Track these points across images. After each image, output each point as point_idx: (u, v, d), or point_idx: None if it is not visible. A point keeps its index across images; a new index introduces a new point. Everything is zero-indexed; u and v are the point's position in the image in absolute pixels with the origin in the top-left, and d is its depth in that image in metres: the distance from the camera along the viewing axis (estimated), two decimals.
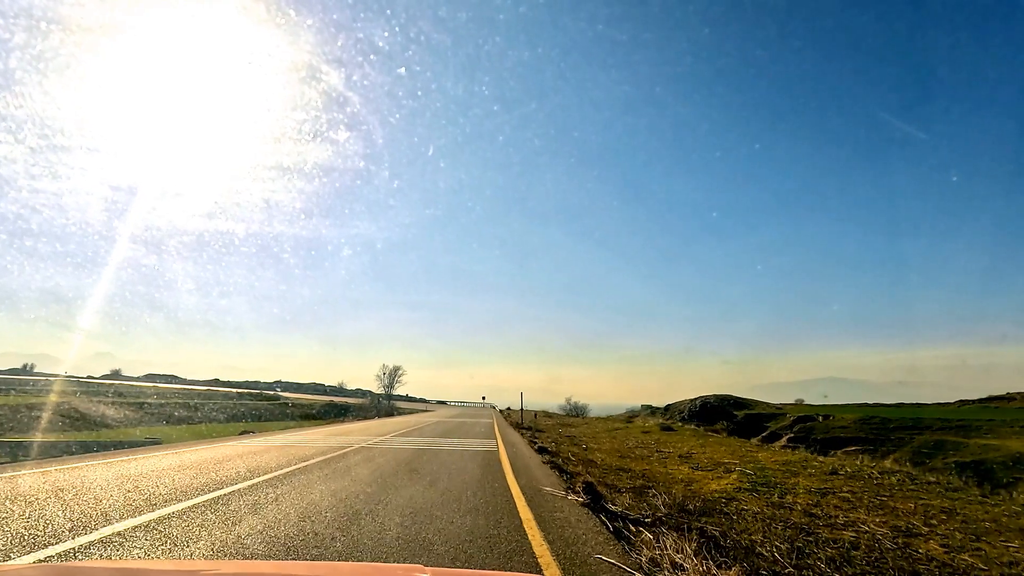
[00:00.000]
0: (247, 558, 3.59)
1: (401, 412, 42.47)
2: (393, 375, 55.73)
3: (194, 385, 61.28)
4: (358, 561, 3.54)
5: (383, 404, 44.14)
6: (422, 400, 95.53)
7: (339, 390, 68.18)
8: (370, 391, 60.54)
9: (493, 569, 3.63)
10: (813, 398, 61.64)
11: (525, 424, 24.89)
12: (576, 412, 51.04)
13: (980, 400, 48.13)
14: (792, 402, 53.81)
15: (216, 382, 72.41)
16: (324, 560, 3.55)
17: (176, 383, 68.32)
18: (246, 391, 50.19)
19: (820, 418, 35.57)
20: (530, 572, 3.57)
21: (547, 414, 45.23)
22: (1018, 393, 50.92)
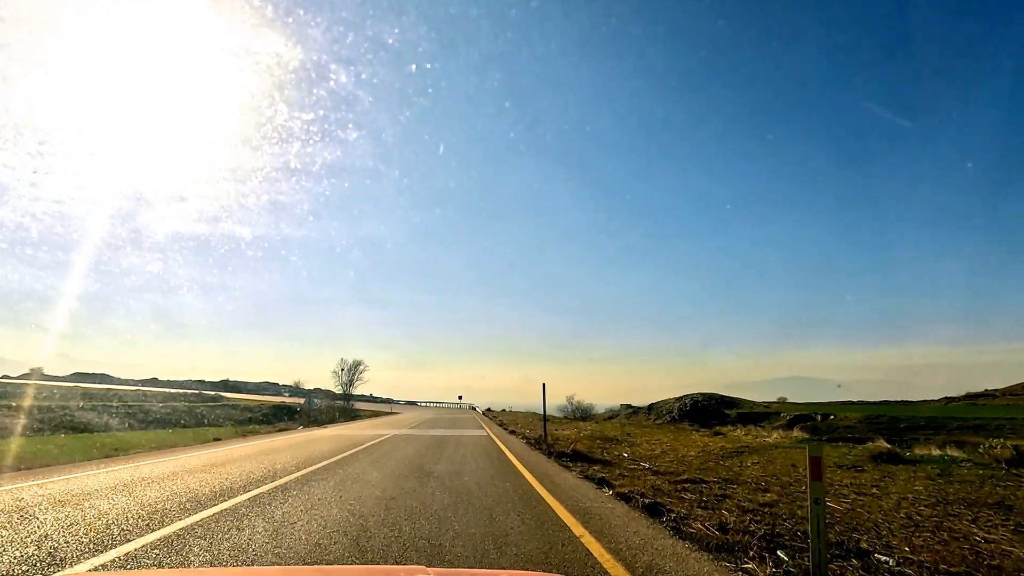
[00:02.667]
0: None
1: (359, 416, 37.68)
2: (353, 371, 50.17)
3: (125, 385, 54.49)
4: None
5: (314, 406, 37.05)
6: (388, 400, 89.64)
7: (296, 390, 62.27)
8: (329, 391, 54.89)
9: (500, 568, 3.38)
10: (792, 396, 59.85)
11: (556, 444, 12.96)
12: (581, 415, 42.12)
13: (965, 397, 47.42)
14: (775, 400, 52.08)
15: (154, 381, 65.30)
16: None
17: (107, 383, 61.27)
18: (180, 391, 44.22)
19: (819, 417, 33.23)
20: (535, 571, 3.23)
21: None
22: (995, 390, 50.63)
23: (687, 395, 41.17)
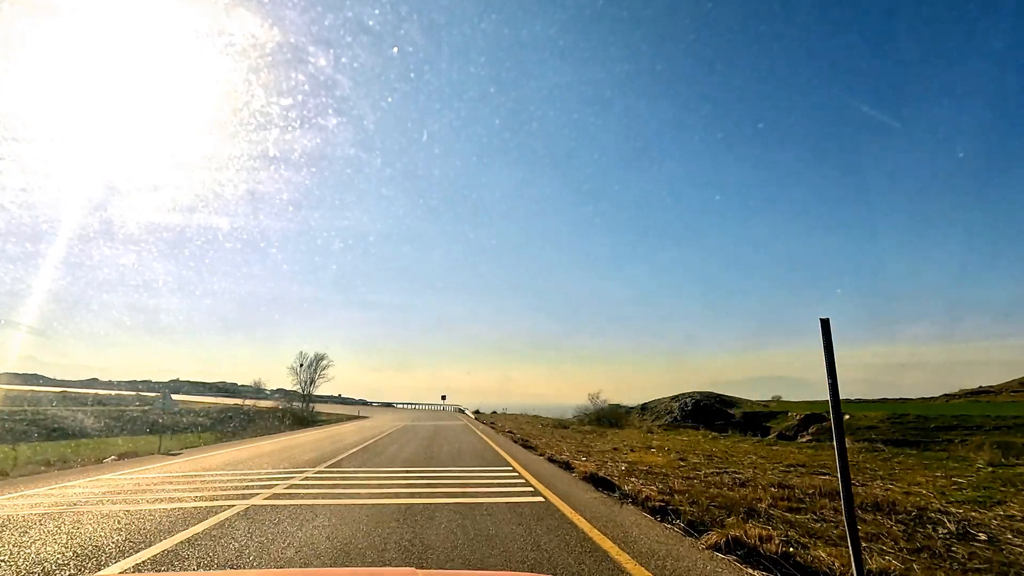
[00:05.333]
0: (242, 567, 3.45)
1: (315, 421, 33.21)
2: (315, 367, 44.71)
3: (58, 387, 48.51)
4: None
5: (169, 408, 30.89)
6: (361, 402, 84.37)
7: (255, 390, 56.90)
8: (294, 391, 49.47)
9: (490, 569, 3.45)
10: (780, 395, 57.46)
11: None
12: (611, 419, 29.79)
13: (961, 394, 46.08)
14: (769, 399, 49.92)
15: (95, 382, 59.11)
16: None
17: (39, 384, 55.07)
18: (116, 393, 38.95)
19: None
20: (527, 571, 3.23)
21: (562, 423, 28.48)
22: (990, 387, 49.59)
23: (684, 394, 37.99)
